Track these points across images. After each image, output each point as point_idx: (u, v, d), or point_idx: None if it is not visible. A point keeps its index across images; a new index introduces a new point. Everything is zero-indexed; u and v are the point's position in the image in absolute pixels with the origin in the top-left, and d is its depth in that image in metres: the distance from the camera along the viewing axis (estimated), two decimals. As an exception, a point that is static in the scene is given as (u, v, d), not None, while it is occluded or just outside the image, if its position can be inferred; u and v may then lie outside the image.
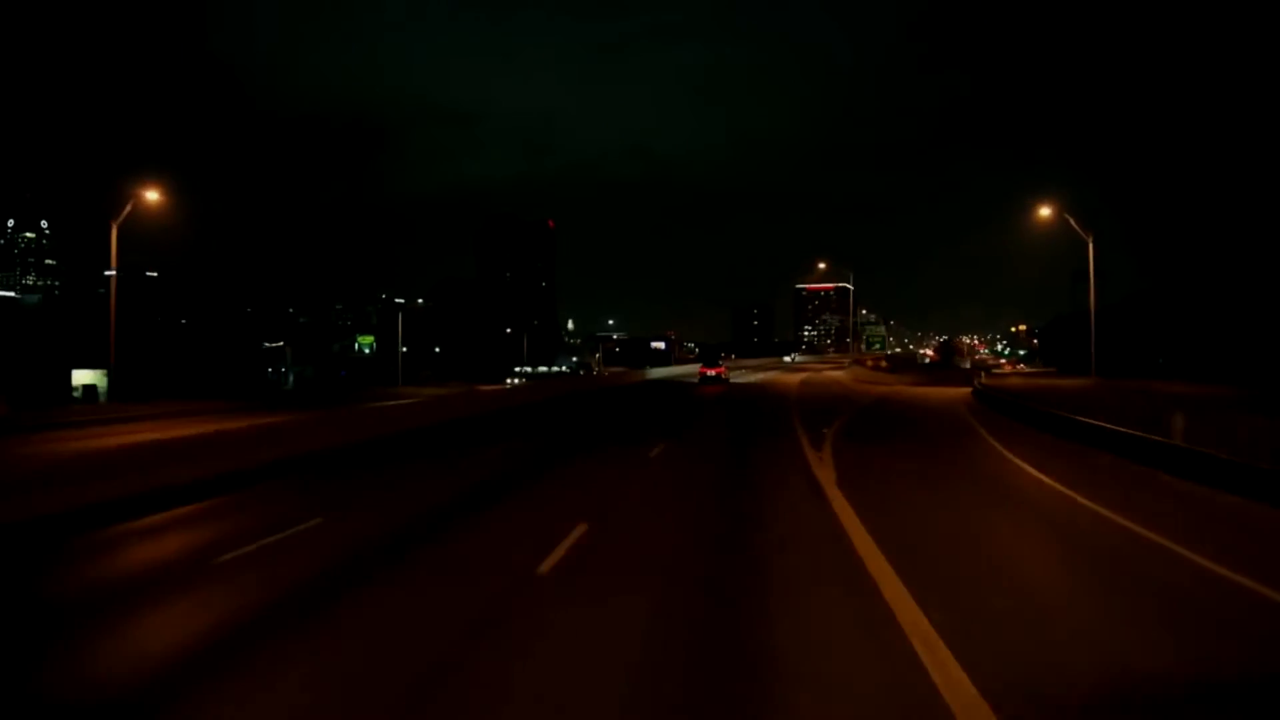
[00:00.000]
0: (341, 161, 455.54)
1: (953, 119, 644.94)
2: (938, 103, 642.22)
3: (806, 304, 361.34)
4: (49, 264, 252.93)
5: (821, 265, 76.19)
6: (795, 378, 67.34)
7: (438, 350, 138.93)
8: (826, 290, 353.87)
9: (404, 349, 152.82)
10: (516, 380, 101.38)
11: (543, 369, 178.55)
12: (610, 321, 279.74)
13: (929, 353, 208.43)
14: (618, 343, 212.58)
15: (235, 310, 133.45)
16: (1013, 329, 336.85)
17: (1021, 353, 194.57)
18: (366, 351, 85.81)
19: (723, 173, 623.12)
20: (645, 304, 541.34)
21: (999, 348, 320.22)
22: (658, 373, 79.16)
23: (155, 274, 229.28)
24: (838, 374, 74.51)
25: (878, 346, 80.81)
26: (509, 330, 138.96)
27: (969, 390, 49.83)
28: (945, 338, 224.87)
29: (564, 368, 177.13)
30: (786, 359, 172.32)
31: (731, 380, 59.69)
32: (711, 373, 56.19)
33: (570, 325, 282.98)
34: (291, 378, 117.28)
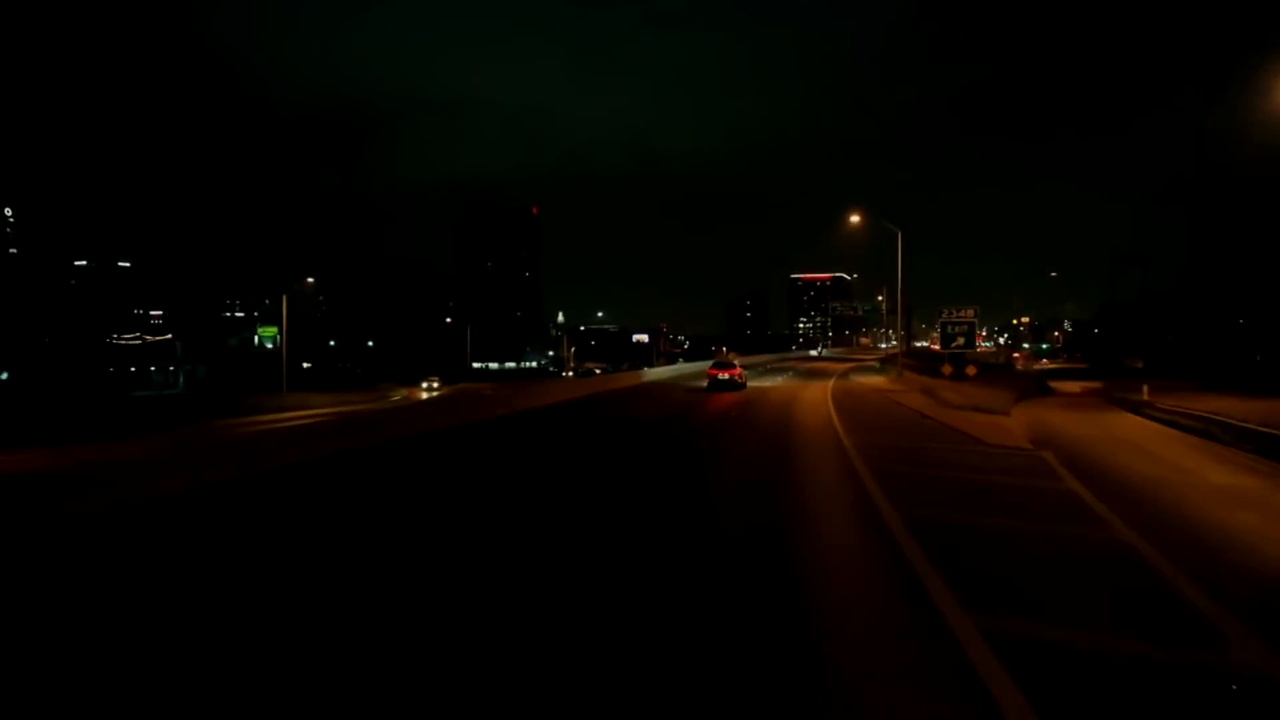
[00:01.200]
0: (329, 152, 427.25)
1: (956, 111, 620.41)
2: (941, 94, 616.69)
3: (802, 294, 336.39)
4: (12, 253, 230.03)
5: (855, 218, 47.74)
6: (822, 389, 42.26)
7: (371, 344, 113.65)
8: (823, 280, 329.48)
9: (332, 342, 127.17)
10: (435, 389, 75.73)
11: (511, 364, 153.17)
12: (600, 314, 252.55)
13: (934, 347, 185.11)
14: (593, 334, 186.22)
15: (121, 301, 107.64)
16: (1014, 321, 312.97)
17: (1044, 346, 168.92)
18: (269, 346, 63.88)
19: (720, 164, 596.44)
20: (639, 296, 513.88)
21: (1000, 341, 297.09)
22: (654, 374, 58.82)
23: (128, 264, 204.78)
24: (878, 381, 49.27)
25: (960, 341, 42.20)
26: (449, 320, 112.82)
27: (1136, 418, 28.44)
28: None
29: (534, 363, 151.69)
30: (813, 353, 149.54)
31: (749, 383, 44.85)
32: (724, 375, 42.37)
33: (561, 318, 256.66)
34: (181, 378, 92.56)
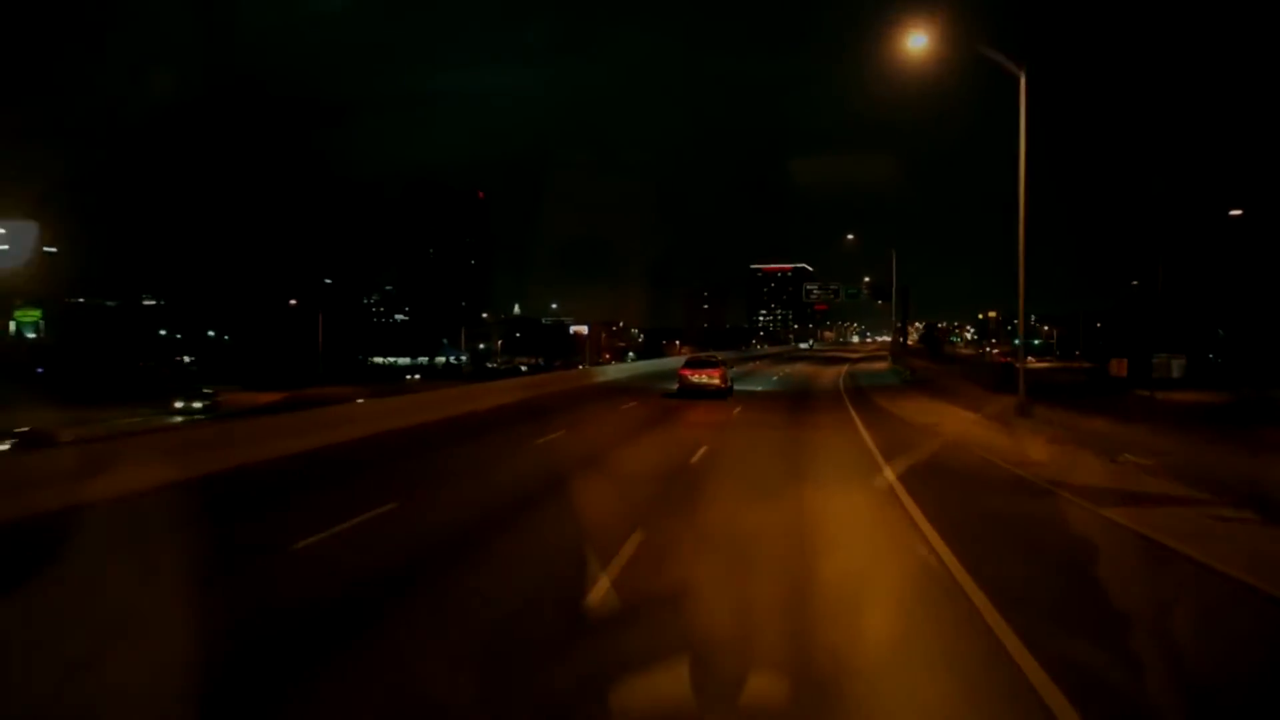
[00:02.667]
0: (287, 144, 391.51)
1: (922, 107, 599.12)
2: (907, 90, 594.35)
3: (762, 286, 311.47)
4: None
5: (917, 39, 18.34)
6: (856, 444, 15.70)
7: (227, 338, 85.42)
8: (784, 271, 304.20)
9: (163, 332, 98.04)
10: (196, 407, 47.58)
11: (423, 359, 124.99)
12: (554, 305, 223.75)
13: (910, 342, 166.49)
14: (522, 325, 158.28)
15: None
16: (980, 316, 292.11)
17: (1036, 343, 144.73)
18: (31, 335, 39.86)
19: (683, 157, 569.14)
20: (597, 289, 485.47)
21: (967, 336, 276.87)
22: (610, 373, 47.55)
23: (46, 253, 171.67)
24: (979, 430, 22.18)
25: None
26: (294, 302, 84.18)
27: None
28: (938, 324, 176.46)
29: (451, 359, 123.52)
30: (803, 346, 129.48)
31: (736, 388, 32.55)
32: (699, 378, 30.18)
33: (517, 309, 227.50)
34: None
